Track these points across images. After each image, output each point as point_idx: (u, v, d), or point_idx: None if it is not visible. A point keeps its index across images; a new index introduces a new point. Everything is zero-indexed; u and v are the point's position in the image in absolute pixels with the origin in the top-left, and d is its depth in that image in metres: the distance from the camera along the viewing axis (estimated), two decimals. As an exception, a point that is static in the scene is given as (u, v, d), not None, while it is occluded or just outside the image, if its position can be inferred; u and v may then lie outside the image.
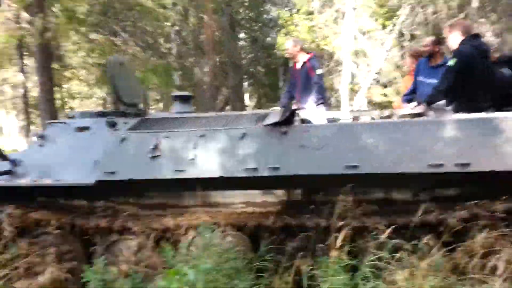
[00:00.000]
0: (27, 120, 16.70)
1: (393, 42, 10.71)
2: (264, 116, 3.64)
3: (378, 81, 11.45)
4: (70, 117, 3.88)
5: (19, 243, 3.37)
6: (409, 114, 3.75)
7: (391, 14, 10.66)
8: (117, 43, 7.44)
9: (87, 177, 3.40)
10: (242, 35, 17.75)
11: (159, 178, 3.33)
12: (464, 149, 3.02)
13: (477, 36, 3.65)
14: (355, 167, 3.10)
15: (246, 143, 3.31)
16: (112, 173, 3.37)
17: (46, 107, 8.02)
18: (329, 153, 3.17)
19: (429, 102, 3.56)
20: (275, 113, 3.55)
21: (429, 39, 4.47)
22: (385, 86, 11.99)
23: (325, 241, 3.17)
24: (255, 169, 3.22)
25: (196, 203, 3.65)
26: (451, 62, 3.51)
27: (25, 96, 13.94)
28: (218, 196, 3.63)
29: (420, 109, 3.68)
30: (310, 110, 4.64)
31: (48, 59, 8.09)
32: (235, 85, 14.51)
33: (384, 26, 10.75)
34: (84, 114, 3.88)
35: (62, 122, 3.74)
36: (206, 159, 3.31)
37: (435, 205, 3.06)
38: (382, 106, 13.97)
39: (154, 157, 3.37)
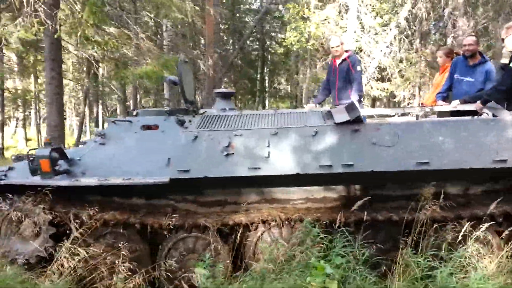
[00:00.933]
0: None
1: (393, 38, 10.96)
2: (329, 114, 3.76)
3: (377, 77, 11.71)
4: (134, 115, 3.87)
5: (92, 244, 3.40)
6: (462, 111, 3.97)
7: (392, 10, 10.89)
8: (131, 36, 7.32)
9: (159, 175, 3.44)
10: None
11: (233, 176, 3.40)
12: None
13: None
14: (426, 163, 3.28)
15: (319, 141, 3.43)
16: (186, 171, 3.42)
17: (54, 100, 7.85)
18: (401, 150, 3.33)
19: (486, 100, 3.75)
20: (340, 111, 3.67)
21: (473, 38, 4.66)
22: (382, 80, 12.30)
23: (398, 233, 3.37)
24: (330, 166, 3.34)
25: (256, 200, 3.77)
26: (512, 63, 3.70)
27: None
28: (278, 193, 3.76)
29: (475, 106, 3.89)
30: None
31: (59, 52, 7.90)
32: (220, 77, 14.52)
33: (385, 24, 10.97)
34: (149, 112, 3.88)
35: (127, 120, 3.72)
36: (280, 157, 3.41)
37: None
38: (380, 100, 14.31)
39: (227, 155, 3.43)
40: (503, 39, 3.94)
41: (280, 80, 23.53)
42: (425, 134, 3.37)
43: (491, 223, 3.22)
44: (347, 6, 10.77)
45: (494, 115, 3.55)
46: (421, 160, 3.28)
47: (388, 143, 3.36)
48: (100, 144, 3.72)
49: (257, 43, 21.35)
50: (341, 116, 3.53)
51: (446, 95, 4.97)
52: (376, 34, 10.79)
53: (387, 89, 11.37)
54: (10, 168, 3.87)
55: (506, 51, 4.72)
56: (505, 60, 4.66)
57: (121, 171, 3.55)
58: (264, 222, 3.52)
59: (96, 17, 5.91)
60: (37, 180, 3.49)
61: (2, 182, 3.52)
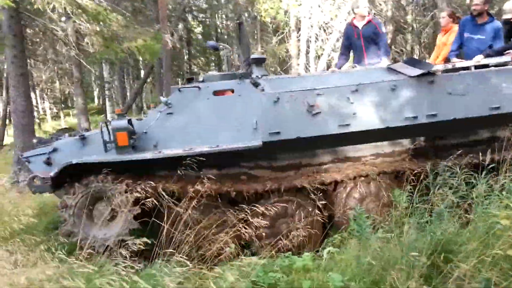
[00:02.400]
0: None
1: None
2: (391, 70, 3.85)
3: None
4: (200, 81, 3.57)
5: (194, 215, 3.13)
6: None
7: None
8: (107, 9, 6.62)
9: (247, 140, 3.27)
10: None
11: (325, 134, 3.36)
12: None
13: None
14: (497, 108, 3.55)
15: (399, 94, 3.52)
16: (277, 133, 3.30)
17: (19, 82, 6.95)
18: (474, 97, 3.56)
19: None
20: (404, 66, 3.79)
21: None
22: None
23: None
24: (415, 118, 3.46)
25: (330, 160, 3.77)
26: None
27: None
28: (350, 151, 3.79)
29: (508, 57, 4.23)
30: (381, 64, 4.97)
31: (18, 26, 6.94)
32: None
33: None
34: (217, 77, 3.61)
35: (195, 87, 3.44)
36: (365, 113, 3.44)
37: None
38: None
39: (315, 114, 3.37)
40: None
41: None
42: (491, 81, 3.63)
43: None
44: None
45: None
46: (493, 105, 3.54)
47: (461, 92, 3.56)
48: (168, 114, 3.41)
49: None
50: (413, 70, 3.65)
51: (458, 52, 5.35)
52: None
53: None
54: (55, 150, 3.39)
55: (506, 7, 5.21)
56: (507, 15, 5.16)
57: (200, 139, 3.31)
58: (353, 178, 3.54)
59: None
60: (115, 155, 3.11)
61: (79, 160, 3.06)
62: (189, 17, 19.86)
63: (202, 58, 23.73)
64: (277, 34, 13.60)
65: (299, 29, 12.41)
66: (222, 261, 2.98)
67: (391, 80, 3.57)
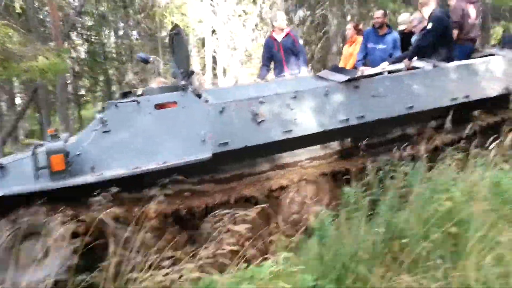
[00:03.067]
0: None
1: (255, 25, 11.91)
2: (319, 77, 4.14)
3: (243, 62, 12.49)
4: (139, 95, 3.38)
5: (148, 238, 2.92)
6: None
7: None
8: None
9: (195, 153, 3.22)
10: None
11: (270, 142, 3.46)
12: (464, 85, 4.37)
13: (442, 6, 5.03)
14: (411, 107, 4.05)
15: (331, 99, 3.79)
16: (226, 143, 3.30)
17: None
18: (394, 98, 4.00)
19: (411, 57, 4.73)
20: (330, 73, 4.10)
21: (381, 12, 5.71)
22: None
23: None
24: (347, 119, 3.76)
25: (269, 168, 3.88)
26: (429, 26, 4.76)
27: None
28: (288, 157, 3.95)
29: (404, 63, 4.82)
30: (301, 73, 5.29)
31: None
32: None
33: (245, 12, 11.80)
34: (157, 90, 3.45)
35: (133, 101, 3.26)
36: (305, 118, 3.64)
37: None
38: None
39: (259, 122, 3.45)
40: (420, 11, 5.05)
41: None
42: (405, 84, 4.12)
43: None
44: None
45: (434, 66, 4.56)
46: (408, 104, 4.03)
47: (383, 94, 3.98)
48: (104, 132, 3.17)
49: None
50: (340, 76, 3.97)
51: (364, 62, 5.96)
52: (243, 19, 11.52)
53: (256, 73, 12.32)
54: None
55: (400, 19, 6.00)
56: (402, 27, 5.93)
57: (144, 157, 3.15)
58: (297, 182, 3.68)
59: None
60: (50, 183, 2.78)
61: (6, 193, 2.65)
62: (73, 35, 18.61)
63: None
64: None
65: (203, 45, 12.54)
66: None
67: (324, 86, 3.83)
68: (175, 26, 3.92)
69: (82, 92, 23.12)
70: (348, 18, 12.44)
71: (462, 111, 4.49)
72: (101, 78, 23.28)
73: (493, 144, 3.56)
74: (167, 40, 14.26)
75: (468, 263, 2.30)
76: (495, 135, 3.82)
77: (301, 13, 13.79)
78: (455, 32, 5.24)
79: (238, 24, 11.66)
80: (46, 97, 13.06)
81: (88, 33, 19.89)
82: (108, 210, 2.85)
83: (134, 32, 19.85)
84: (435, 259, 2.42)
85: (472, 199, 2.71)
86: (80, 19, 17.47)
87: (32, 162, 2.80)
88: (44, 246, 2.80)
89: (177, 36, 3.75)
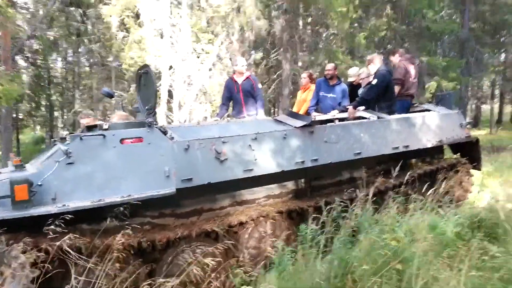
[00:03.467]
0: None
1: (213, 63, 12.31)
2: (278, 121, 4.44)
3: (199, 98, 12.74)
4: (104, 129, 3.41)
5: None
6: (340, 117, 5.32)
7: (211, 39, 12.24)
8: None
9: (158, 188, 3.30)
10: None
11: (232, 179, 3.63)
12: (404, 135, 4.88)
13: (386, 64, 5.64)
14: (359, 153, 4.45)
15: (289, 142, 4.08)
16: (189, 179, 3.42)
17: None
18: (344, 145, 4.38)
19: (356, 106, 5.23)
20: (289, 119, 4.43)
21: (332, 65, 6.24)
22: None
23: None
24: (302, 162, 4.05)
25: (229, 204, 4.05)
26: (374, 81, 5.33)
27: None
28: (247, 194, 4.15)
29: (348, 113, 5.31)
30: (258, 115, 5.59)
31: None
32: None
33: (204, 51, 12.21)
34: (123, 125, 3.51)
35: (98, 135, 3.31)
36: (264, 158, 3.87)
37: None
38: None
39: (222, 161, 3.63)
40: (367, 66, 5.64)
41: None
42: (354, 132, 4.53)
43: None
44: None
45: (378, 117, 5.06)
46: (356, 151, 4.42)
47: (334, 140, 4.35)
48: (68, 164, 3.18)
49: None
50: (296, 121, 4.29)
51: (316, 108, 6.42)
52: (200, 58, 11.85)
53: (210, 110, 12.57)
54: None
55: (350, 72, 6.59)
56: (351, 79, 6.51)
57: (108, 189, 3.18)
58: (256, 219, 3.85)
59: None
60: (13, 212, 2.73)
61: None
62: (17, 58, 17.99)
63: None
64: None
65: (159, 79, 12.66)
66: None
67: (282, 130, 4.11)
68: (145, 66, 4.07)
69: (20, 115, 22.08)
70: (300, 64, 13.27)
71: (402, 160, 5.00)
72: (43, 103, 22.48)
73: (430, 191, 4.01)
74: (120, 71, 14.21)
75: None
76: (431, 182, 4.29)
77: (257, 56, 14.48)
78: (397, 88, 5.87)
79: (196, 62, 11.97)
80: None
81: (35, 57, 19.34)
82: (66, 238, 2.85)
83: (83, 59, 19.61)
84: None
85: (414, 240, 3.03)
86: (28, 42, 16.97)
87: (-6, 191, 2.74)
88: (3, 274, 2.71)
89: (146, 75, 3.89)
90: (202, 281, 3.17)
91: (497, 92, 33.50)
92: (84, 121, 4.75)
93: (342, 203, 3.57)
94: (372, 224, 3.28)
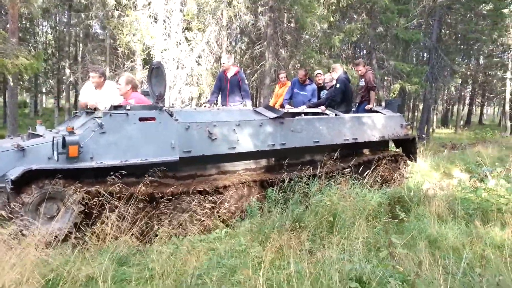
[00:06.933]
0: None
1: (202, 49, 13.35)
2: (257, 112, 5.70)
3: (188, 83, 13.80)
4: (127, 109, 4.55)
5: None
6: (315, 112, 6.66)
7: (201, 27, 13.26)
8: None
9: (166, 156, 4.53)
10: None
11: (220, 154, 4.90)
12: (354, 130, 6.25)
13: (346, 72, 6.97)
14: (317, 141, 5.78)
15: (264, 129, 5.35)
16: (189, 151, 4.66)
17: None
18: (306, 134, 5.70)
19: (328, 106, 6.58)
20: (265, 110, 5.69)
21: (303, 73, 7.50)
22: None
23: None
24: (273, 145, 5.35)
25: (216, 172, 5.30)
26: (338, 85, 6.65)
27: None
28: (229, 166, 5.42)
29: (321, 109, 6.65)
30: (246, 105, 6.82)
31: None
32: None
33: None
34: (142, 107, 4.66)
35: (123, 113, 4.46)
36: (244, 140, 5.14)
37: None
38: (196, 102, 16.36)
39: (213, 140, 4.87)
40: (331, 73, 6.97)
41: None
42: (315, 125, 5.85)
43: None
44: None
45: (336, 115, 6.40)
46: (315, 139, 5.75)
47: (299, 130, 5.65)
48: (101, 133, 4.34)
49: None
50: (271, 113, 5.57)
51: (289, 102, 7.72)
52: (190, 47, 12.88)
53: (197, 92, 13.67)
54: None
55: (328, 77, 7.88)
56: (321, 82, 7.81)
57: (130, 154, 4.38)
58: (235, 184, 5.12)
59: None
60: (67, 164, 3.91)
61: (39, 167, 3.72)
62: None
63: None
64: (130, 60, 14.42)
65: (150, 60, 13.62)
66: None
67: (259, 120, 5.38)
68: (158, 62, 5.22)
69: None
70: (281, 57, 14.48)
71: (352, 149, 6.40)
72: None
73: (366, 173, 5.41)
74: (115, 47, 14.95)
75: (333, 238, 3.93)
76: (374, 168, 5.70)
77: (242, 46, 15.55)
78: (374, 94, 7.23)
79: (187, 48, 12.99)
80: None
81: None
82: (102, 185, 4.07)
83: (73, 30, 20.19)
84: (318, 233, 4.02)
85: (342, 201, 4.40)
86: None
87: (54, 148, 3.89)
88: (60, 207, 3.90)
89: (157, 69, 5.05)
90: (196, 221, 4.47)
91: (467, 95, 35.86)
92: (92, 75, 5.73)
93: (299, 177, 4.91)
94: (317, 191, 4.64)
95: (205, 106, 6.84)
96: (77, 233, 3.85)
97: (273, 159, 5.81)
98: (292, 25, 14.28)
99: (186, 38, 12.87)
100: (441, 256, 3.53)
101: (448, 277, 2.81)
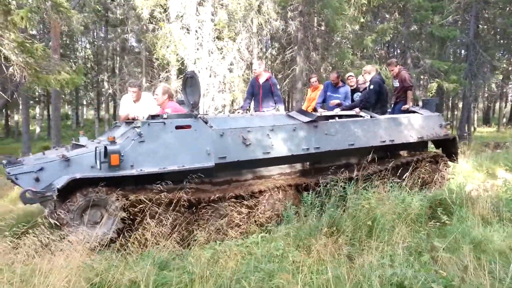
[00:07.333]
0: None
1: (234, 57, 13.53)
2: (290, 116, 5.69)
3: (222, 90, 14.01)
4: (164, 118, 4.69)
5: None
6: (351, 114, 6.57)
7: (233, 36, 13.45)
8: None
9: (202, 163, 4.61)
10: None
11: (254, 159, 4.93)
12: (391, 132, 6.11)
13: (379, 73, 6.85)
14: (352, 144, 5.70)
15: (298, 133, 5.34)
16: (224, 157, 4.72)
17: None
18: (341, 137, 5.63)
19: (362, 107, 6.47)
20: (298, 115, 5.68)
21: (335, 75, 7.42)
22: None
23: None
24: (307, 149, 5.32)
25: (251, 177, 5.33)
26: (372, 86, 6.53)
27: None
28: (264, 171, 5.43)
29: (356, 111, 6.54)
30: (280, 110, 6.85)
31: None
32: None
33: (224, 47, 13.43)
34: (177, 116, 4.79)
35: (160, 122, 4.59)
36: (279, 145, 5.14)
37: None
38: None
39: (247, 145, 4.91)
40: (363, 75, 6.86)
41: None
42: (350, 127, 5.77)
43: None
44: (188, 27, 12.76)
45: (371, 116, 6.29)
46: (350, 142, 5.67)
47: (333, 133, 5.60)
48: (140, 142, 4.48)
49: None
50: (304, 117, 5.55)
51: (322, 105, 7.66)
52: (222, 56, 13.09)
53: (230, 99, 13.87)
54: (41, 169, 4.13)
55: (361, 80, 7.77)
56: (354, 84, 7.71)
57: (167, 161, 4.49)
58: (271, 189, 5.13)
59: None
60: (109, 172, 4.08)
61: (83, 176, 3.90)
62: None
63: None
64: (165, 71, 14.84)
65: (184, 69, 13.94)
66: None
67: (292, 124, 5.37)
68: (192, 71, 5.34)
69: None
70: (312, 60, 14.43)
71: (389, 151, 6.26)
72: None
73: (405, 175, 5.27)
74: (150, 59, 15.48)
75: (372, 242, 3.85)
76: (413, 170, 5.54)
77: (273, 51, 15.62)
78: (410, 93, 7.07)
79: (218, 56, 13.22)
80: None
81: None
82: (143, 192, 4.21)
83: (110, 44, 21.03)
84: (357, 238, 3.95)
85: (381, 205, 4.30)
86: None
87: (97, 158, 4.07)
88: (103, 214, 4.07)
89: (191, 78, 5.17)
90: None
91: (510, 91, 34.20)
92: (132, 90, 5.95)
93: (334, 181, 4.85)
94: (355, 194, 4.57)
95: (239, 112, 6.92)
96: (121, 239, 3.99)
97: (308, 163, 5.78)
98: (323, 28, 14.20)
99: (217, 47, 13.08)
100: (487, 260, 3.37)
101: (495, 282, 2.69)
